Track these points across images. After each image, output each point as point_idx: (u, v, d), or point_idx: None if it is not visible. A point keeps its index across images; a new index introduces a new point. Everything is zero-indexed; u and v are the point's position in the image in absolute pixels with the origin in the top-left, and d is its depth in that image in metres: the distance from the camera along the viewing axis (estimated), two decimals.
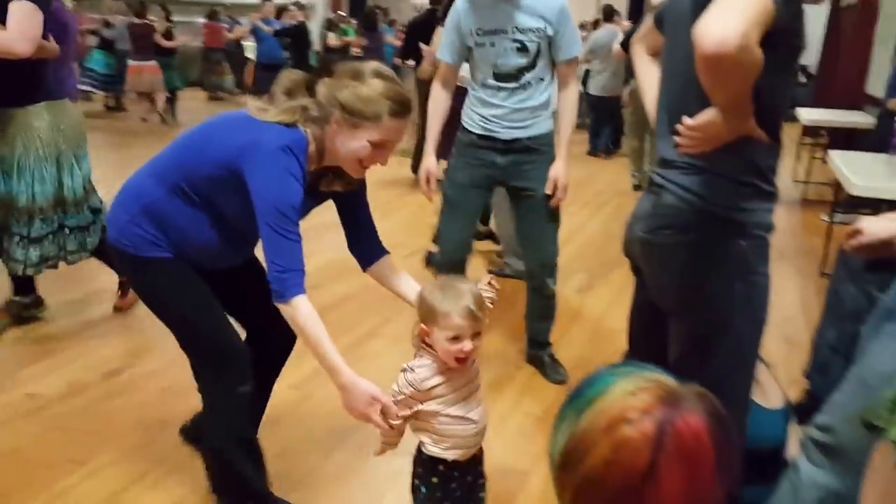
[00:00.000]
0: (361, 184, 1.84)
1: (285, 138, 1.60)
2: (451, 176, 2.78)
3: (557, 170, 2.68)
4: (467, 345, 1.56)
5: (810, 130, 7.21)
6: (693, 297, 1.59)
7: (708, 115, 1.45)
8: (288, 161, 1.58)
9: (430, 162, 2.73)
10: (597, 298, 3.80)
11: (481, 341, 1.59)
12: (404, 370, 1.61)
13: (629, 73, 5.61)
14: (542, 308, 2.95)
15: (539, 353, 3.00)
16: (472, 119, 2.72)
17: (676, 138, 1.53)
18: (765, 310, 1.61)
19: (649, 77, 1.81)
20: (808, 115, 6.41)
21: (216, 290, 1.78)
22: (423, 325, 1.60)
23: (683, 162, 1.56)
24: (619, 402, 0.81)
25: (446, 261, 2.83)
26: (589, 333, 3.38)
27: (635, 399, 0.81)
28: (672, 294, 1.63)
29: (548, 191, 2.69)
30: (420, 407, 1.60)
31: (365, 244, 1.87)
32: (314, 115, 1.65)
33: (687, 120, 1.49)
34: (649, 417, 0.79)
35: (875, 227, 1.72)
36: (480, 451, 1.72)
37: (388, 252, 1.88)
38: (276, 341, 1.95)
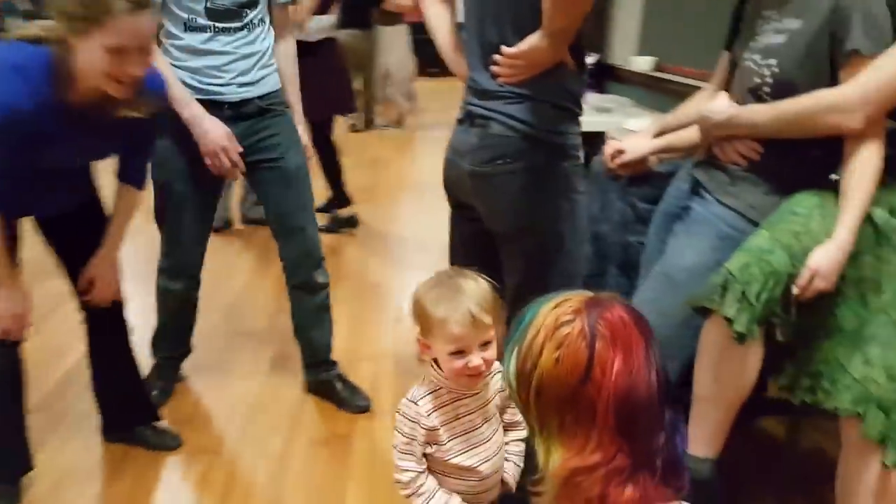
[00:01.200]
0: (152, 115, 1.70)
1: (17, 55, 1.50)
2: (164, 163, 2.10)
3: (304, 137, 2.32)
4: (474, 359, 1.28)
5: None
6: (530, 220, 1.66)
7: (530, 42, 1.53)
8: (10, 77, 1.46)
9: None
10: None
11: (495, 349, 1.32)
12: (402, 406, 1.36)
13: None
14: (315, 311, 2.37)
15: (325, 377, 2.44)
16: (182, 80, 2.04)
17: (495, 68, 1.59)
18: (585, 226, 1.74)
19: (438, 19, 1.82)
20: None
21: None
22: (420, 338, 1.33)
23: (507, 91, 1.60)
24: (552, 315, 0.91)
25: (174, 269, 2.27)
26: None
27: (564, 308, 0.92)
28: (509, 220, 1.67)
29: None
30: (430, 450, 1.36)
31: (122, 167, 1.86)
32: (53, 34, 1.51)
33: (507, 49, 1.56)
34: (580, 316, 0.89)
35: (634, 146, 1.96)
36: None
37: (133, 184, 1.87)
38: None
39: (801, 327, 1.54)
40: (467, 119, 1.70)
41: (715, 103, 1.75)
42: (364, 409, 2.36)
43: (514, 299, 1.68)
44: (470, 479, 1.39)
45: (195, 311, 2.45)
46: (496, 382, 1.42)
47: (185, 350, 2.50)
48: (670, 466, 0.88)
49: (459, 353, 1.28)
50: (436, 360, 1.35)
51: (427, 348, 1.33)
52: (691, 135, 1.98)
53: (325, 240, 2.66)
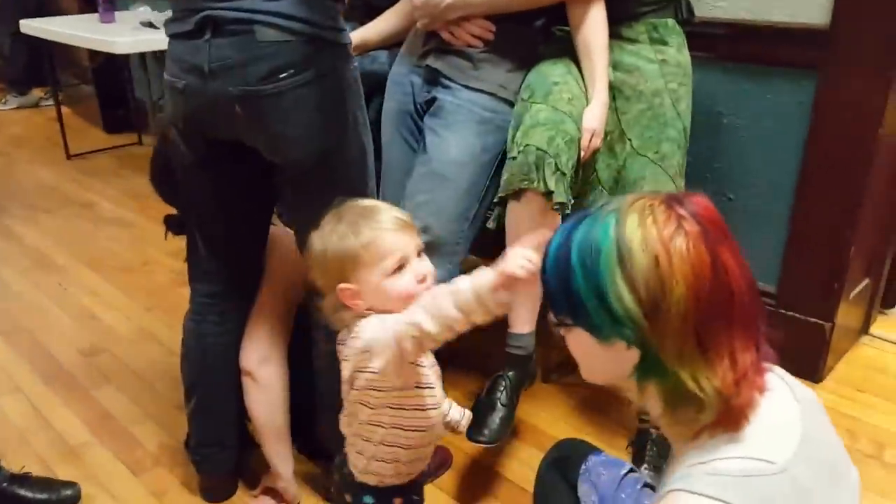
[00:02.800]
0: None
1: None
2: None
3: None
4: (419, 266, 1.15)
5: None
6: (334, 139, 1.40)
7: None
8: None
9: None
10: None
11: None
12: (355, 339, 1.13)
13: None
14: None
15: None
16: None
17: None
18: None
19: None
20: None
21: None
22: (342, 286, 1.14)
23: None
24: (651, 230, 0.79)
25: None
26: None
27: (656, 217, 0.80)
28: (308, 145, 1.37)
29: None
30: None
31: None
32: None
33: None
34: (683, 220, 0.79)
35: None
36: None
37: None
38: None
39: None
40: (204, 27, 1.30)
41: None
42: None
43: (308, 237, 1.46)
44: (422, 426, 1.23)
45: None
46: None
47: None
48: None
49: (400, 268, 1.14)
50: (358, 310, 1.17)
51: (356, 296, 1.14)
52: (384, 26, 1.91)
53: None
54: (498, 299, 1.01)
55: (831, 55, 1.80)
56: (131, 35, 3.36)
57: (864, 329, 2.32)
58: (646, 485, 1.38)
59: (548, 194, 1.53)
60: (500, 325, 2.22)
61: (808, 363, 2.06)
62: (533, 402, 1.98)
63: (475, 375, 2.06)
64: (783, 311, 2.08)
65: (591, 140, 1.59)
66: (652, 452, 1.74)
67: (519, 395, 1.71)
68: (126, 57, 4.19)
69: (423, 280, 1.15)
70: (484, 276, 1.01)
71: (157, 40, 3.26)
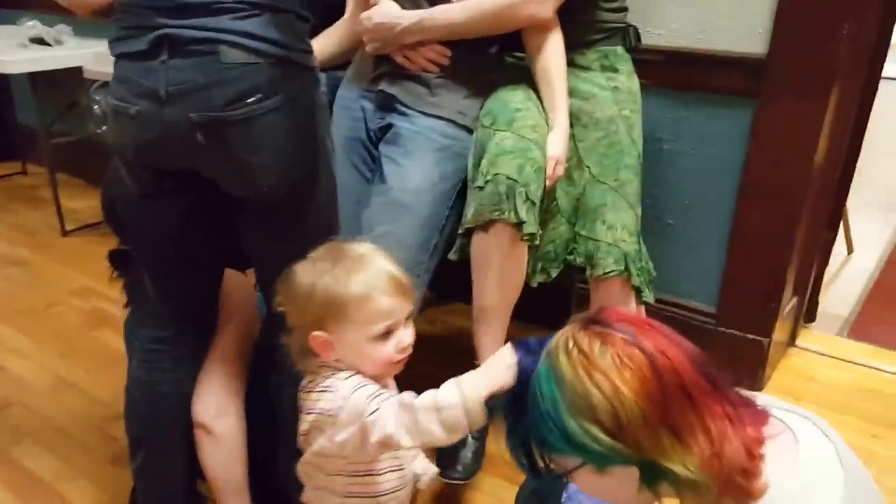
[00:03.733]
0: None
1: None
2: None
3: None
4: (405, 336, 1.10)
5: None
6: (302, 169, 1.31)
7: None
8: None
9: None
10: None
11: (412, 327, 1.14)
12: (323, 394, 1.07)
13: None
14: None
15: None
16: None
17: None
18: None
19: None
20: None
21: None
22: (317, 334, 1.06)
23: (232, 3, 1.18)
24: (576, 358, 0.84)
25: None
26: None
27: (578, 342, 0.85)
28: (276, 175, 1.27)
29: None
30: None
31: None
32: None
33: None
34: (601, 335, 0.85)
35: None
36: None
37: None
38: None
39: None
40: (159, 47, 1.19)
41: (387, 9, 1.66)
42: None
43: (274, 273, 1.38)
44: (398, 469, 1.21)
45: None
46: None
47: None
48: (742, 402, 0.89)
49: (387, 333, 1.07)
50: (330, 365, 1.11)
51: (328, 347, 1.07)
52: (324, 47, 1.84)
53: None
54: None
55: (768, 83, 1.88)
56: (18, 53, 3.11)
57: (791, 342, 2.43)
58: None
59: (518, 224, 1.51)
60: (466, 355, 2.20)
61: (749, 376, 2.14)
62: (493, 433, 1.95)
63: None
64: (723, 329, 2.15)
65: (555, 168, 1.59)
66: None
67: (488, 427, 1.67)
68: (3, 77, 3.91)
69: (404, 350, 1.10)
70: (473, 387, 0.98)
71: (49, 58, 3.08)
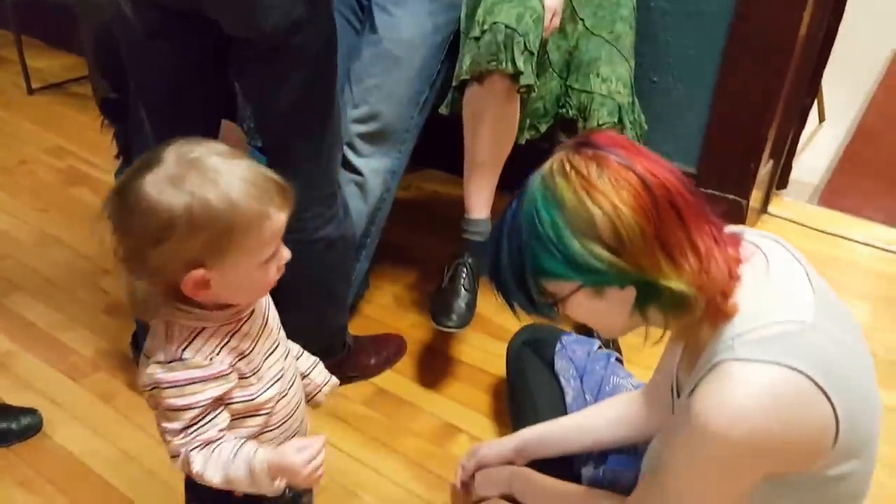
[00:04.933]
0: None
1: None
2: None
3: None
4: (285, 252, 0.91)
5: None
6: (303, 6, 1.27)
7: None
8: None
9: None
10: None
11: None
12: (160, 369, 0.86)
13: None
14: None
15: None
16: None
17: None
18: None
19: None
20: None
21: None
22: (198, 272, 0.83)
23: None
24: (577, 184, 0.85)
25: None
26: None
27: (577, 172, 0.86)
28: (277, 13, 1.25)
29: None
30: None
31: None
32: None
33: None
34: (597, 162, 0.86)
35: None
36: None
37: None
38: None
39: None
40: None
41: None
42: None
43: (275, 122, 1.39)
44: (271, 411, 0.99)
45: None
46: None
47: None
48: (717, 227, 0.92)
49: (273, 255, 0.89)
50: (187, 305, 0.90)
51: (203, 287, 0.85)
52: None
53: None
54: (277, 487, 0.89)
55: None
56: None
57: (764, 209, 2.52)
58: (617, 359, 1.48)
59: (514, 76, 1.52)
60: (441, 220, 2.25)
61: None
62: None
63: (431, 263, 2.07)
64: (703, 189, 2.22)
65: (552, 19, 1.59)
66: None
67: (479, 280, 1.74)
68: None
69: (282, 268, 0.92)
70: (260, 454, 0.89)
71: None
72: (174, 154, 0.83)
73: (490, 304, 1.97)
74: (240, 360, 0.92)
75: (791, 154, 2.53)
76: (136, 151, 1.52)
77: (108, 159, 2.52)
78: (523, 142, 1.77)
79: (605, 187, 0.83)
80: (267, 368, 0.96)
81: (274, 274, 0.91)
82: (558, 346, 1.47)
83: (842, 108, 3.30)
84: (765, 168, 2.30)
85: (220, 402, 0.90)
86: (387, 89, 1.66)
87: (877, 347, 1.85)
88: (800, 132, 2.51)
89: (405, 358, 1.81)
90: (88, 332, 1.83)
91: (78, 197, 2.43)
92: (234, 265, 0.85)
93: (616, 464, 1.23)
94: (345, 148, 1.70)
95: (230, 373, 0.90)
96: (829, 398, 0.79)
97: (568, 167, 0.86)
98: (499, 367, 1.65)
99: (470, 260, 1.72)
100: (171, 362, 0.87)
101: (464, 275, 1.70)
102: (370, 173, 1.73)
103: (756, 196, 2.33)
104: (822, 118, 3.18)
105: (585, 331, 1.71)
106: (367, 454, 1.54)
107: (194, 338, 0.88)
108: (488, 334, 1.87)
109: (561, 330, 1.56)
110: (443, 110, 1.73)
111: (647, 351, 0.99)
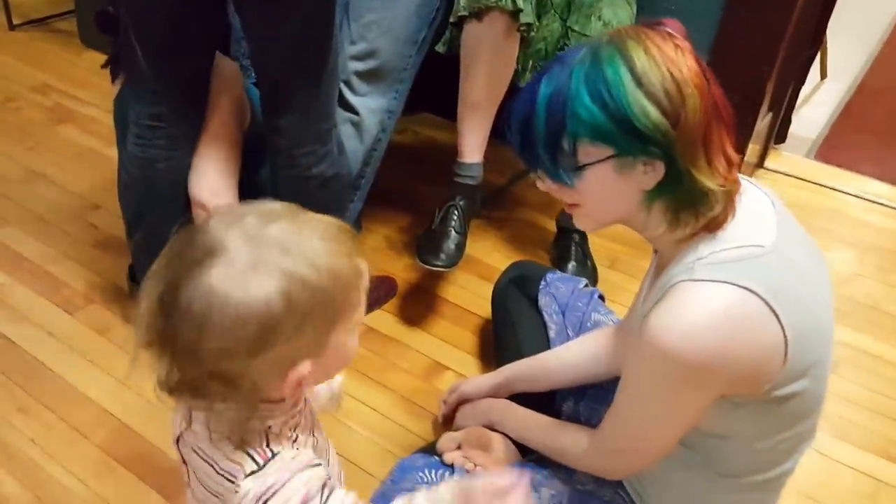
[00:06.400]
0: None
1: None
2: None
3: None
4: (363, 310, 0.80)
5: None
6: None
7: None
8: None
9: None
10: None
11: None
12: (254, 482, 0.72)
13: None
14: None
15: None
16: None
17: None
18: None
19: None
20: None
21: None
22: (300, 368, 0.72)
23: None
24: (655, 54, 0.86)
25: None
26: None
27: (656, 45, 0.87)
28: None
29: None
30: None
31: None
32: None
33: None
34: (674, 43, 0.88)
35: None
36: None
37: None
38: None
39: None
40: None
41: None
42: None
43: (274, 59, 1.45)
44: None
45: None
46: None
47: None
48: None
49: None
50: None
51: (303, 382, 0.74)
52: None
53: None
54: None
55: None
56: None
57: (760, 163, 2.60)
58: (600, 296, 1.57)
59: (514, 13, 1.58)
60: (436, 164, 2.31)
61: None
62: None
63: (423, 206, 2.16)
64: None
65: None
66: (577, 252, 1.97)
67: (469, 223, 1.82)
68: None
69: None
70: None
71: None
72: (230, 234, 0.69)
73: (480, 247, 2.07)
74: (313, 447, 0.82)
75: (790, 108, 2.60)
76: (128, 79, 1.57)
77: (96, 96, 2.60)
78: (523, 84, 1.83)
79: (680, 62, 0.86)
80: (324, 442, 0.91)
81: (357, 341, 0.80)
82: (542, 283, 1.55)
83: (846, 64, 3.36)
84: (763, 121, 2.38)
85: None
86: (385, 25, 1.71)
87: (858, 293, 2.00)
88: (800, 86, 2.58)
89: (396, 298, 1.90)
90: (80, 266, 1.90)
91: (65, 134, 2.48)
92: (335, 342, 0.74)
93: (594, 399, 1.31)
94: (342, 86, 1.76)
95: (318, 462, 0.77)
96: (778, 319, 0.85)
97: (643, 35, 0.88)
98: (486, 309, 1.74)
99: (462, 202, 1.79)
100: (264, 465, 0.72)
101: (455, 217, 1.77)
102: (367, 112, 1.79)
103: (753, 150, 2.40)
104: (824, 74, 3.25)
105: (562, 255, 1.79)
106: (357, 388, 1.63)
107: (266, 442, 0.75)
108: (477, 276, 1.97)
109: (546, 268, 1.64)
110: (440, 48, 1.79)
111: (629, 290, 1.06)
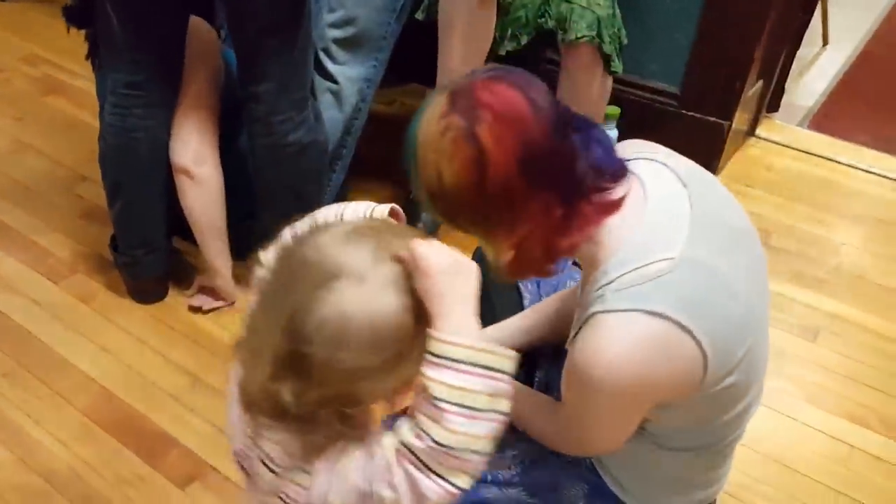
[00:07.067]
0: None
1: None
2: None
3: None
4: None
5: None
6: None
7: None
8: None
9: None
10: None
11: None
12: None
13: None
14: None
15: None
16: None
17: None
18: None
19: None
20: None
21: None
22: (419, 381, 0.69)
23: None
24: (430, 125, 0.88)
25: None
26: None
27: (435, 111, 0.88)
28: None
29: None
30: None
31: None
32: None
33: None
34: (451, 114, 0.86)
35: None
36: None
37: None
38: None
39: None
40: None
41: None
42: None
43: (257, 26, 1.49)
44: None
45: None
46: None
47: None
48: (597, 172, 0.92)
49: None
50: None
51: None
52: None
53: None
54: None
55: None
56: None
57: (751, 132, 2.62)
58: (574, 262, 1.60)
59: None
60: None
61: (705, 161, 2.31)
62: None
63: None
64: (684, 111, 2.31)
65: None
66: None
67: None
68: None
69: None
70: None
71: None
72: (348, 253, 0.70)
73: None
74: None
75: (784, 76, 2.61)
76: (108, 57, 1.61)
77: (85, 67, 2.61)
78: (504, 53, 1.85)
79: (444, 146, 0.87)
80: None
81: None
82: None
83: (848, 32, 3.36)
84: (753, 89, 2.39)
85: None
86: None
87: (846, 263, 2.03)
88: (794, 51, 2.58)
89: None
90: (65, 237, 1.95)
91: (54, 105, 2.52)
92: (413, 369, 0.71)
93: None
94: (321, 54, 1.80)
95: None
96: (693, 336, 0.86)
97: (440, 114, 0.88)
98: None
99: None
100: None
101: None
102: (346, 81, 1.83)
103: (742, 118, 2.42)
104: (825, 41, 3.24)
105: None
106: None
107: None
108: (456, 245, 1.98)
109: None
110: (419, 15, 1.81)
111: None
